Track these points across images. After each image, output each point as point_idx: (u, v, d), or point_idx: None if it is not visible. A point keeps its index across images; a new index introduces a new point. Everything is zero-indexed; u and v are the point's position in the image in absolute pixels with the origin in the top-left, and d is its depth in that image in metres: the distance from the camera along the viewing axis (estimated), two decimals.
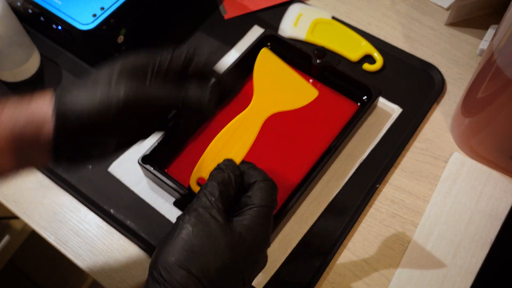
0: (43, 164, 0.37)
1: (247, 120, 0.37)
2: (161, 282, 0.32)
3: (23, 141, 0.34)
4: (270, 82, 0.36)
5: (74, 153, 0.36)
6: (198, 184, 0.38)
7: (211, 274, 0.32)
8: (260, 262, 0.36)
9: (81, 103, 0.34)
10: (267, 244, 0.36)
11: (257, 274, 0.37)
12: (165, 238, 0.34)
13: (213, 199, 0.34)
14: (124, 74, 0.34)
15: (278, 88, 0.37)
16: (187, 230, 0.33)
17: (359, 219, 0.54)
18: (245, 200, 0.36)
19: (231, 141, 0.37)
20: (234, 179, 0.36)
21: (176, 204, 0.54)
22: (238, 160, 0.38)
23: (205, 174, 0.38)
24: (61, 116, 0.34)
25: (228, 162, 0.37)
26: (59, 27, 0.63)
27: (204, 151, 0.38)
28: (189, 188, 0.38)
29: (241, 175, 0.37)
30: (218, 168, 0.36)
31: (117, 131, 0.36)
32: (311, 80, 0.63)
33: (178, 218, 0.35)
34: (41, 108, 0.34)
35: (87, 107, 0.34)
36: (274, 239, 0.52)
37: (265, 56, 0.36)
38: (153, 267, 0.33)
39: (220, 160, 0.37)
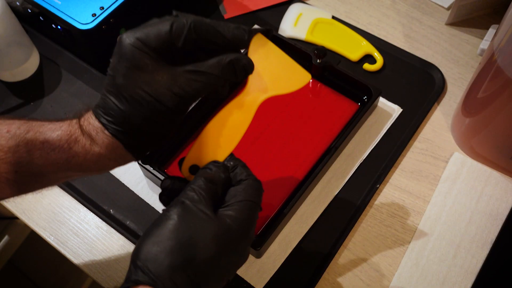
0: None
1: (241, 105, 0.37)
2: (146, 272, 0.32)
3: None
4: (263, 67, 0.37)
5: (140, 150, 0.38)
6: (190, 171, 0.38)
7: (197, 265, 0.32)
8: (243, 256, 0.36)
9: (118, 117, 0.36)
10: (251, 238, 0.36)
11: (238, 268, 0.37)
12: (150, 229, 0.34)
13: (201, 193, 0.35)
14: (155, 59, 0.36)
15: (271, 73, 0.37)
16: (173, 221, 0.33)
17: (359, 219, 0.54)
18: (233, 193, 0.36)
19: (226, 126, 0.37)
20: (223, 179, 0.36)
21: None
22: (231, 146, 0.38)
23: (198, 162, 0.38)
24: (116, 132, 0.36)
25: (217, 163, 0.37)
26: (59, 27, 0.63)
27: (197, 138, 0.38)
28: (175, 177, 0.38)
29: (229, 175, 0.37)
30: (207, 167, 0.37)
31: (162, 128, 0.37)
32: (311, 80, 0.63)
33: (164, 210, 0.35)
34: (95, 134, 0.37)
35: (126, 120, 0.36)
36: (274, 239, 0.52)
37: (259, 42, 0.37)
38: (136, 256, 0.33)
39: (215, 146, 0.38)
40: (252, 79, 0.37)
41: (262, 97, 0.38)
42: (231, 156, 0.38)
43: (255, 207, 0.36)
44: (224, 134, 0.37)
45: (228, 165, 0.38)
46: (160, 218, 0.34)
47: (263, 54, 0.37)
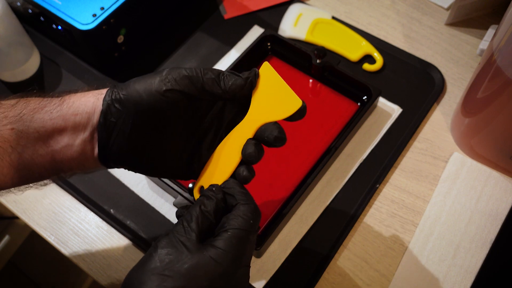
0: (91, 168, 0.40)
1: (241, 130, 0.38)
2: None
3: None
4: (265, 95, 0.38)
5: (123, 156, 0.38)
6: (200, 192, 0.40)
7: None
8: (239, 284, 0.35)
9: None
10: (242, 265, 0.35)
11: None
12: (140, 260, 0.35)
13: (187, 226, 0.35)
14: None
15: (270, 100, 0.38)
16: (156, 253, 0.34)
17: (359, 219, 0.54)
18: (223, 221, 0.36)
19: (227, 150, 0.38)
20: (215, 206, 0.36)
21: (176, 204, 0.54)
22: (231, 169, 0.38)
23: (204, 183, 0.39)
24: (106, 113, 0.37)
25: (213, 189, 0.37)
26: (59, 27, 0.63)
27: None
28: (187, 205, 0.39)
29: (225, 198, 0.37)
30: (204, 194, 0.37)
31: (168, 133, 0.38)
32: (311, 80, 0.63)
33: (154, 242, 0.35)
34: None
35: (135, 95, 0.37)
36: (274, 239, 0.52)
37: (266, 71, 0.38)
38: (123, 285, 0.34)
39: (217, 169, 0.38)
40: (255, 105, 0.38)
41: (259, 123, 0.38)
42: (229, 179, 0.38)
43: (243, 234, 0.35)
44: (225, 158, 0.38)
45: (224, 188, 0.37)
46: (149, 250, 0.35)
47: (267, 84, 0.38)
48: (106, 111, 0.37)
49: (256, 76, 0.38)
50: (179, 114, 0.37)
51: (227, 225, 0.35)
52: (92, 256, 0.53)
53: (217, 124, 0.40)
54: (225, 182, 0.38)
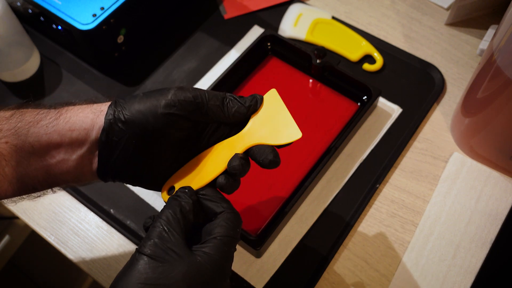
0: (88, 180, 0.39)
1: (233, 144, 0.39)
2: None
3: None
4: (266, 119, 0.39)
5: (121, 169, 0.38)
6: (169, 192, 0.39)
7: None
8: None
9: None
10: (228, 274, 0.35)
11: None
12: (123, 269, 0.34)
13: (169, 229, 0.34)
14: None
15: (270, 125, 0.39)
16: (143, 261, 0.33)
17: (359, 219, 0.54)
18: (210, 229, 0.35)
19: (211, 159, 0.38)
20: (191, 205, 0.36)
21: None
22: (209, 178, 0.38)
23: (177, 185, 0.39)
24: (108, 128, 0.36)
25: (184, 189, 0.37)
26: (59, 27, 0.63)
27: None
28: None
29: (199, 200, 0.37)
30: (175, 195, 0.37)
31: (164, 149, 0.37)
32: (311, 80, 0.63)
33: (136, 250, 0.35)
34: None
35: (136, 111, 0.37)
36: (274, 239, 0.52)
37: (271, 96, 0.39)
38: None
39: (195, 174, 0.38)
40: (253, 125, 0.39)
41: (252, 143, 0.38)
42: (210, 189, 0.38)
43: (232, 241, 0.35)
44: (207, 165, 0.38)
45: (202, 194, 0.37)
46: (132, 258, 0.34)
47: (270, 109, 0.39)
48: (108, 130, 0.36)
49: (259, 103, 0.39)
50: (180, 133, 0.38)
51: (216, 231, 0.35)
52: (92, 256, 0.53)
53: (211, 136, 0.40)
54: (205, 189, 0.38)
